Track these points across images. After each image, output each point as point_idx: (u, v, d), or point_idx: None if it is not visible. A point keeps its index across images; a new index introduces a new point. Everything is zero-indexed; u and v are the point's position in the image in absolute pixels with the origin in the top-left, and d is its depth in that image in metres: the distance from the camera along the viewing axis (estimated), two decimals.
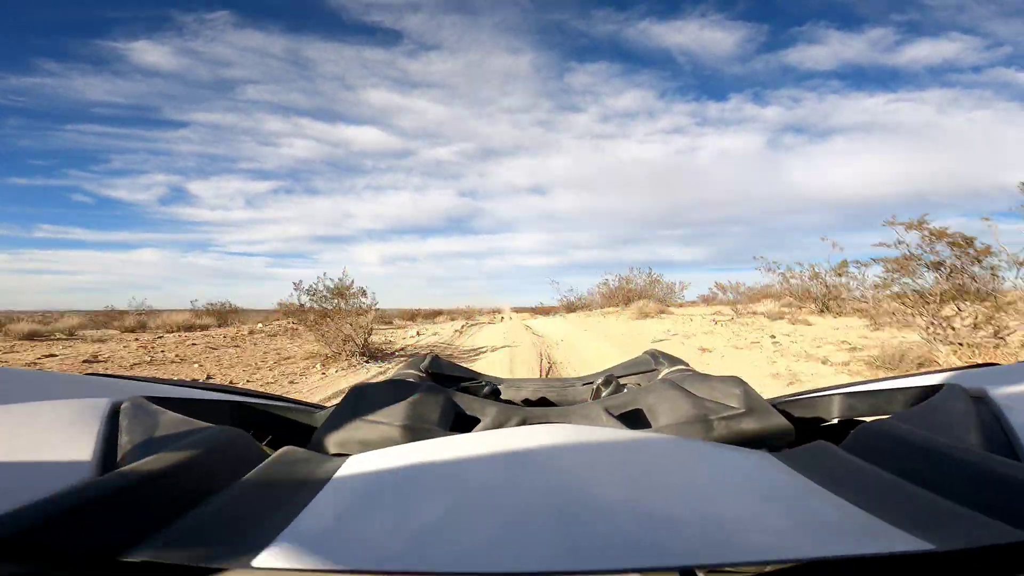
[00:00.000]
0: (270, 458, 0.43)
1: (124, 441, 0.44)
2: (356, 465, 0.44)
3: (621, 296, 21.30)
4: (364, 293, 7.56)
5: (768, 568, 0.29)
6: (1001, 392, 0.51)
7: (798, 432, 0.58)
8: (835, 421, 0.68)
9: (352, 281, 7.39)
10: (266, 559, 0.28)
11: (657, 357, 0.84)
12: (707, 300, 22.47)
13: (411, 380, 0.67)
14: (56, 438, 0.42)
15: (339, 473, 0.41)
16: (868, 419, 0.62)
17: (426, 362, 0.82)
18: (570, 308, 25.39)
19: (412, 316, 24.53)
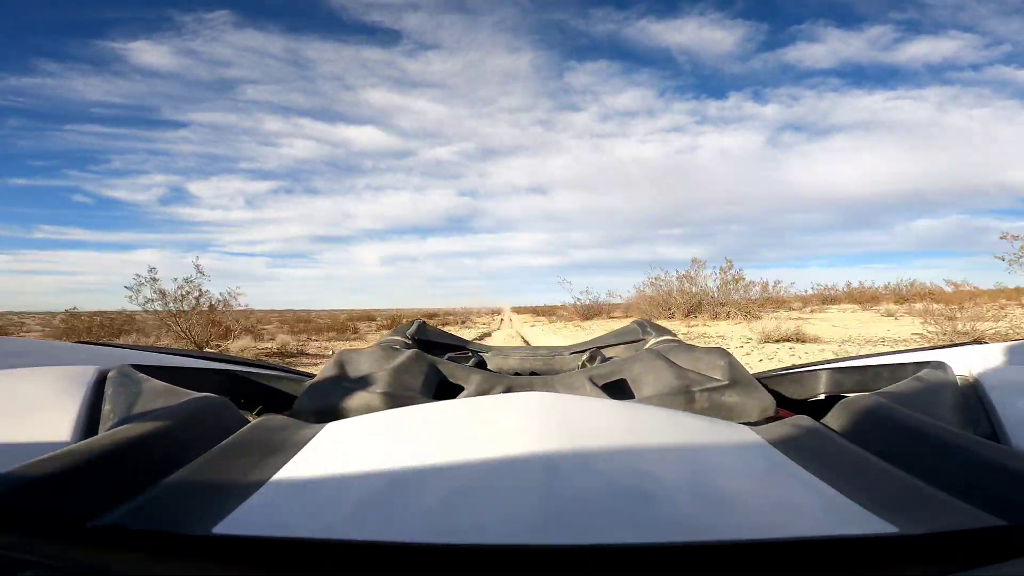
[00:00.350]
0: (247, 425, 0.43)
1: (107, 409, 0.45)
2: (333, 431, 0.44)
3: (681, 304, 14.24)
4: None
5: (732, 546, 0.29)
6: (987, 372, 0.50)
7: (784, 407, 0.58)
8: (821, 396, 0.68)
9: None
10: (228, 525, 0.28)
11: (645, 327, 0.83)
12: (771, 302, 14.70)
13: (396, 347, 0.67)
14: (41, 405, 0.42)
15: (314, 439, 0.42)
16: (854, 395, 0.62)
17: (413, 328, 0.82)
18: (586, 314, 19.14)
19: (391, 324, 16.95)
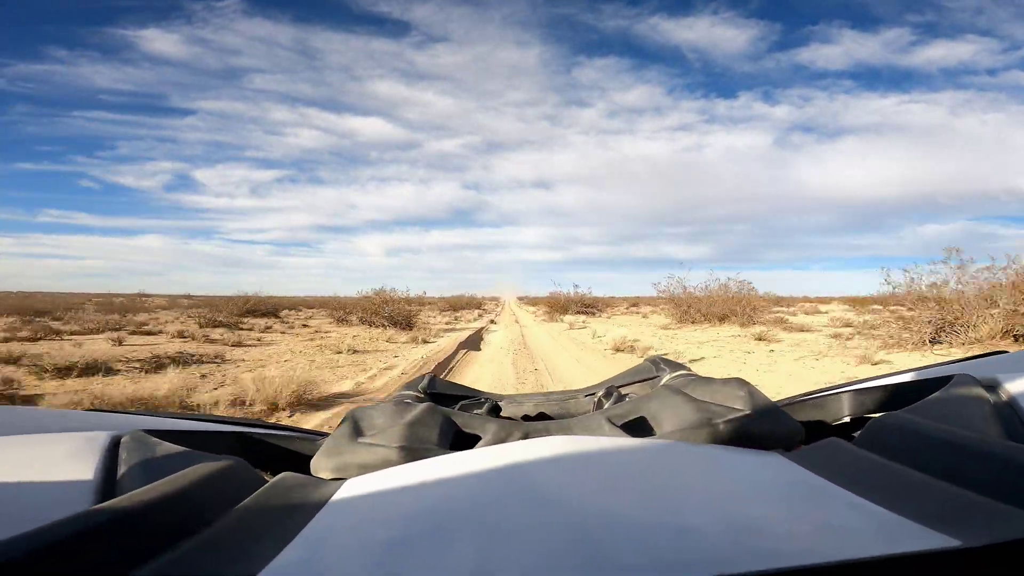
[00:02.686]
0: (266, 485, 0.42)
1: (122, 473, 0.44)
2: (352, 488, 0.43)
3: None
4: None
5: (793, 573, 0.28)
6: (1013, 379, 0.49)
7: (809, 433, 0.57)
8: (846, 419, 0.67)
9: None
10: None
11: (658, 363, 0.82)
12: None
13: (408, 401, 0.67)
14: (55, 472, 0.42)
15: (335, 497, 0.41)
16: (879, 415, 0.61)
17: (424, 382, 0.81)
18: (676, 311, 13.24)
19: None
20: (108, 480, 0.43)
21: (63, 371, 5.91)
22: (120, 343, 9.26)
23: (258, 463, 0.63)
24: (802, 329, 12.11)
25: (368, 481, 0.45)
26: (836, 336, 10.10)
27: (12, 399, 4.81)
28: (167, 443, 0.49)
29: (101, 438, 0.48)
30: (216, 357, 8.01)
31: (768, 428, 0.53)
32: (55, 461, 0.43)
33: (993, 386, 0.50)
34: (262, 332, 13.01)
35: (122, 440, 0.49)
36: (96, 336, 10.73)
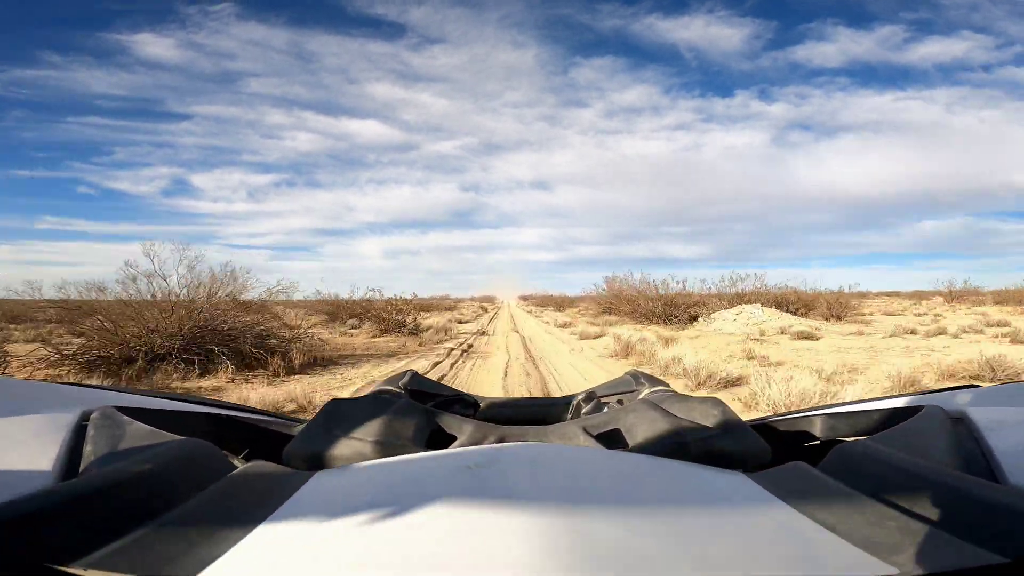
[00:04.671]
0: (235, 472, 0.42)
1: (88, 451, 0.44)
2: (322, 480, 0.43)
3: None
4: None
5: None
6: (981, 413, 0.50)
7: (780, 454, 0.57)
8: (816, 442, 0.67)
9: None
10: (211, 574, 0.28)
11: (639, 378, 0.83)
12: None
13: (388, 396, 0.67)
14: (20, 447, 0.41)
15: (303, 488, 0.41)
16: (849, 440, 0.62)
17: (405, 379, 0.82)
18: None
19: None
20: (73, 458, 0.43)
21: None
22: None
23: (232, 446, 0.64)
24: None
25: (338, 475, 0.45)
26: None
27: None
28: (137, 422, 0.49)
29: (70, 414, 0.48)
30: None
31: (736, 447, 0.54)
32: (21, 437, 0.43)
33: (960, 419, 0.51)
34: None
35: (91, 417, 0.48)
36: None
